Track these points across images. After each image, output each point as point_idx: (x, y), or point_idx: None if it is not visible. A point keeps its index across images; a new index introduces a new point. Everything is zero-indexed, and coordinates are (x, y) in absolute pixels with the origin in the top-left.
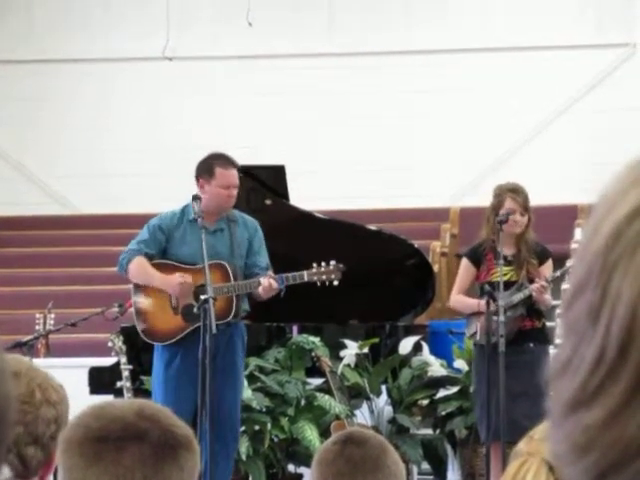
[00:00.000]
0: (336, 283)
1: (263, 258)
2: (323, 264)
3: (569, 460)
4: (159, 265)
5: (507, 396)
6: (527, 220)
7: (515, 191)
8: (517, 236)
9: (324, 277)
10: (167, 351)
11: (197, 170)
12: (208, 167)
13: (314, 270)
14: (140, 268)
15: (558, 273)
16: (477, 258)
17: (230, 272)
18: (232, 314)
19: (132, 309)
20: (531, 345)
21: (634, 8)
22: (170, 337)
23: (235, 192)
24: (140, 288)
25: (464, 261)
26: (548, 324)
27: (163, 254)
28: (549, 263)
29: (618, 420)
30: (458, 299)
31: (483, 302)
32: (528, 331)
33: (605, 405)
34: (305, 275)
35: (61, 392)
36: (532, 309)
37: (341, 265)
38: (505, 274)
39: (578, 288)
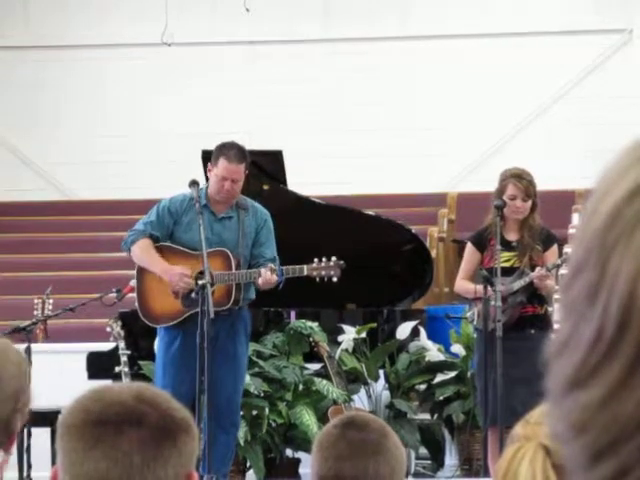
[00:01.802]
0: (335, 280)
1: (270, 250)
2: (324, 259)
3: (567, 439)
4: (163, 248)
5: (507, 382)
6: (531, 206)
7: (518, 176)
8: (521, 222)
9: (323, 273)
10: (168, 334)
11: (212, 154)
12: (217, 155)
13: (314, 265)
14: (144, 251)
15: (559, 261)
16: (481, 243)
17: (232, 260)
18: (231, 302)
19: (134, 291)
20: (532, 331)
21: None
22: (169, 320)
23: (232, 186)
24: (141, 271)
25: (468, 246)
26: (550, 310)
27: (170, 237)
28: (554, 249)
29: (616, 399)
30: (461, 284)
31: (480, 287)
32: (529, 317)
33: (603, 384)
34: (305, 269)
35: (21, 366)
36: (534, 294)
37: (341, 262)
38: (508, 260)
39: (577, 268)
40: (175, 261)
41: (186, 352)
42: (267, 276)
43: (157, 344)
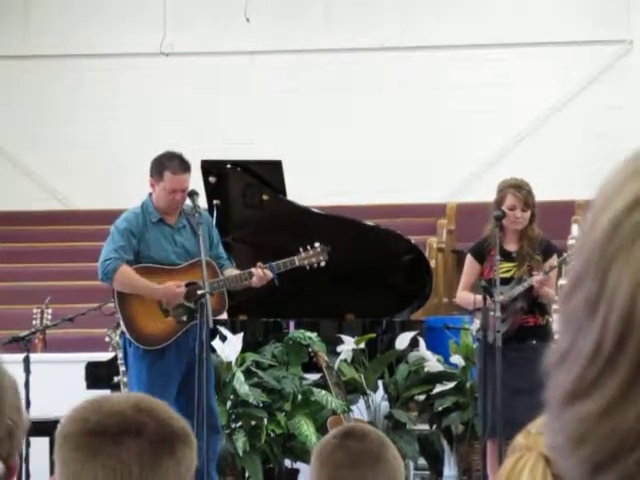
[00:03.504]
0: (323, 264)
1: (221, 248)
2: (309, 247)
3: (565, 451)
4: (143, 270)
5: (507, 393)
6: (530, 216)
7: (517, 187)
8: (520, 232)
9: (313, 260)
10: (149, 353)
11: (150, 168)
12: (159, 169)
13: (302, 255)
14: (128, 278)
15: (555, 263)
16: (481, 254)
17: (217, 267)
18: (226, 308)
19: (119, 318)
20: (533, 342)
21: (631, 5)
22: (168, 338)
23: (183, 195)
24: (124, 295)
25: (468, 257)
26: (551, 320)
27: (135, 257)
28: (554, 258)
29: (615, 411)
30: (461, 295)
31: (480, 298)
32: (531, 328)
33: (602, 396)
34: (296, 260)
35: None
36: (535, 304)
37: (327, 247)
38: (508, 270)
39: (577, 280)
40: (158, 279)
41: (170, 369)
42: (261, 274)
43: (133, 364)
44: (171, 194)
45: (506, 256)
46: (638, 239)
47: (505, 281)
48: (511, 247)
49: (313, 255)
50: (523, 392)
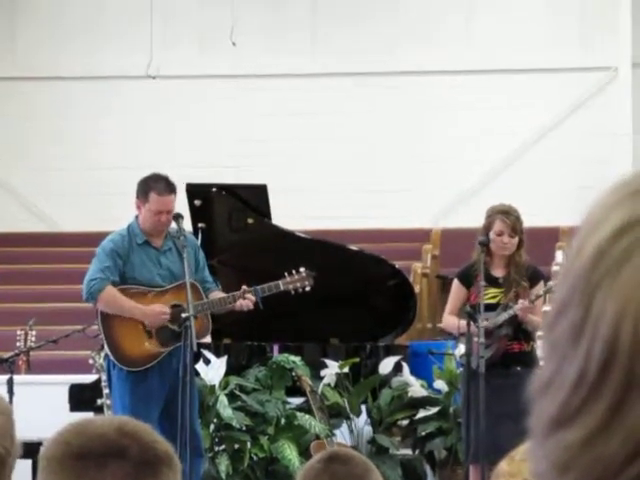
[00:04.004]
0: (308, 289)
1: (207, 272)
2: (294, 272)
3: (550, 479)
4: (127, 291)
5: (491, 419)
6: (518, 242)
7: (505, 213)
8: (507, 258)
9: (298, 284)
10: (132, 376)
11: (136, 190)
12: (144, 190)
13: (287, 279)
14: (113, 298)
15: (541, 292)
16: (468, 279)
17: (201, 290)
18: (209, 331)
19: (102, 339)
20: (518, 368)
21: (616, 32)
22: (151, 360)
23: (167, 217)
24: (108, 317)
25: (455, 282)
26: (537, 346)
27: (121, 278)
28: (541, 285)
29: (598, 440)
30: (447, 320)
31: (464, 323)
32: (516, 354)
33: (586, 424)
34: (280, 284)
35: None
36: (520, 330)
37: (312, 272)
38: (495, 296)
39: (561, 307)
40: (143, 301)
41: (153, 391)
42: (245, 301)
43: (117, 386)
44: (157, 215)
45: (493, 282)
46: (623, 266)
47: (491, 307)
48: (498, 273)
49: (298, 280)
50: (507, 418)
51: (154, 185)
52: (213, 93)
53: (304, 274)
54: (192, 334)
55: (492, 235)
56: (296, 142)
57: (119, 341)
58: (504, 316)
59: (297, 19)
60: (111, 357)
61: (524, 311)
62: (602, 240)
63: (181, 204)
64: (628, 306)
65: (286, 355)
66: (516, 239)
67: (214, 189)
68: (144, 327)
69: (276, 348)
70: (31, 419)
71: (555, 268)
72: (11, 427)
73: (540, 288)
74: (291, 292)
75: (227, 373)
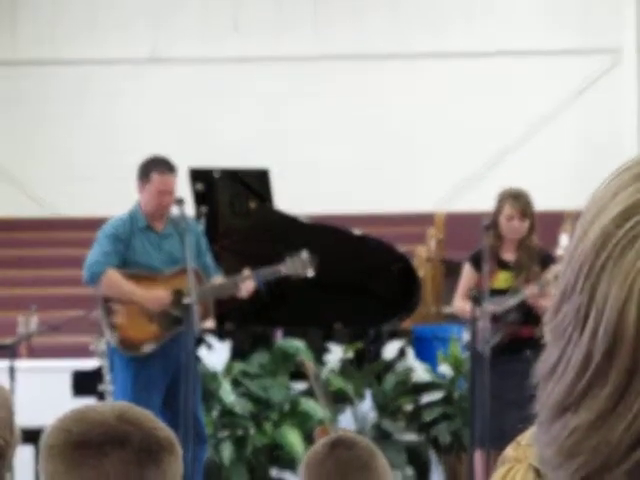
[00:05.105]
0: (310, 275)
1: (209, 258)
2: (295, 257)
3: (555, 464)
4: (128, 276)
5: (499, 404)
6: (529, 226)
7: (515, 196)
8: (518, 242)
9: (299, 270)
10: (134, 362)
11: (137, 172)
12: (146, 171)
13: (289, 264)
14: (116, 283)
15: (549, 277)
16: (479, 263)
17: (202, 276)
18: (212, 317)
19: (104, 323)
20: (527, 353)
21: (620, 14)
22: (154, 343)
23: (170, 198)
24: (110, 301)
25: (466, 266)
26: None
27: (123, 262)
28: (552, 269)
29: (604, 424)
30: (457, 305)
31: (468, 308)
32: (525, 339)
33: (592, 409)
34: (282, 270)
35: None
36: (531, 315)
37: (314, 258)
38: (505, 280)
39: (566, 292)
40: (143, 285)
41: (156, 378)
42: (248, 285)
43: (119, 373)
44: (159, 196)
45: (504, 266)
46: (628, 250)
47: (501, 291)
48: (509, 257)
49: (299, 266)
50: (515, 403)
51: (155, 166)
52: (214, 77)
53: (306, 260)
54: (194, 320)
55: (502, 219)
56: (298, 127)
57: (121, 325)
58: (513, 301)
59: (299, 3)
60: (112, 341)
61: (533, 297)
62: (607, 224)
63: (184, 189)
64: (632, 290)
65: (290, 340)
66: (527, 223)
67: (217, 174)
68: (146, 312)
69: (280, 333)
70: (33, 405)
71: (559, 252)
72: (10, 418)
73: (550, 274)
74: (292, 278)
75: (230, 359)
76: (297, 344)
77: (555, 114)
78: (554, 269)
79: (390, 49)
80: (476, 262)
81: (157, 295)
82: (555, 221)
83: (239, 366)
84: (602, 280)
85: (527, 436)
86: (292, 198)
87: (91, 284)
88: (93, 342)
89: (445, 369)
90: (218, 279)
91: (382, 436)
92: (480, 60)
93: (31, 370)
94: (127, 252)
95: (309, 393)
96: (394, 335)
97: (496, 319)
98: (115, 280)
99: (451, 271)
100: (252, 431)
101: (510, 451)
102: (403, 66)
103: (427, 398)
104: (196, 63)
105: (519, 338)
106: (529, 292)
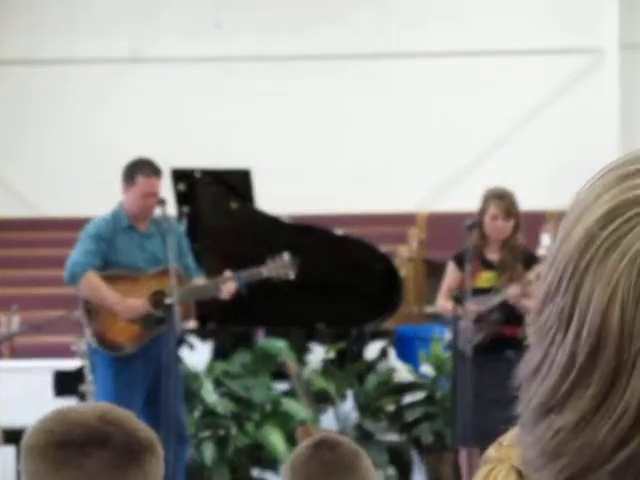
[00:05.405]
0: (292, 277)
1: (190, 259)
2: (277, 259)
3: (539, 465)
4: (110, 276)
5: (481, 403)
6: (514, 226)
7: (500, 196)
8: (503, 241)
9: (281, 272)
10: (116, 362)
11: (122, 174)
12: (131, 174)
13: (270, 266)
14: (94, 285)
15: (531, 277)
16: (463, 262)
17: (183, 276)
18: (193, 318)
19: (85, 324)
20: (508, 352)
21: (602, 13)
22: (136, 343)
23: (155, 200)
24: (91, 301)
25: (450, 265)
26: None
27: (106, 262)
28: (535, 269)
29: (588, 425)
30: (440, 304)
31: (449, 307)
32: (507, 339)
33: (576, 409)
34: (263, 271)
35: None
36: (513, 315)
37: (295, 259)
38: (489, 280)
39: (549, 293)
40: (125, 285)
41: (137, 378)
42: (229, 287)
43: (100, 373)
44: (143, 198)
45: (488, 265)
46: (611, 251)
47: (485, 291)
48: (493, 256)
49: (281, 267)
50: (497, 403)
51: (141, 168)
52: (196, 77)
53: (287, 261)
54: (176, 320)
55: (487, 218)
56: (279, 127)
57: (102, 325)
58: (495, 300)
59: (282, 1)
60: (93, 342)
61: (515, 297)
62: (590, 226)
63: (165, 189)
64: (616, 291)
65: (272, 340)
66: (511, 222)
67: (198, 174)
68: None
69: (261, 333)
70: (15, 405)
71: (541, 252)
72: None
73: (533, 274)
74: (274, 280)
75: (212, 359)
76: (279, 344)
77: (537, 113)
78: (536, 269)
79: (373, 49)
80: (460, 261)
81: (132, 304)
82: (537, 221)
83: (221, 366)
84: (586, 281)
85: (509, 437)
86: (274, 198)
87: (71, 284)
88: (75, 342)
89: (427, 369)
90: (199, 280)
91: (364, 436)
92: (462, 59)
93: (13, 370)
94: (110, 252)
95: (291, 393)
96: (376, 335)
97: (478, 318)
98: (93, 284)
99: (434, 271)
100: (234, 431)
101: (492, 451)
102: (385, 65)
103: (409, 398)
104: (177, 62)
105: (501, 337)
106: (511, 292)
